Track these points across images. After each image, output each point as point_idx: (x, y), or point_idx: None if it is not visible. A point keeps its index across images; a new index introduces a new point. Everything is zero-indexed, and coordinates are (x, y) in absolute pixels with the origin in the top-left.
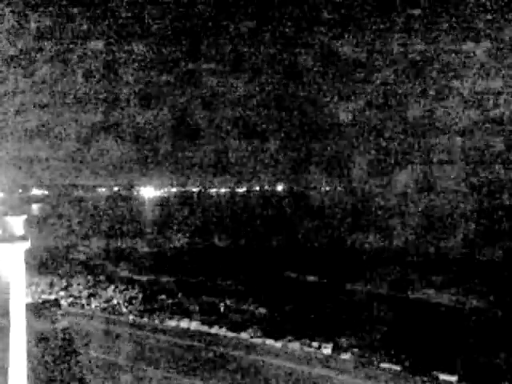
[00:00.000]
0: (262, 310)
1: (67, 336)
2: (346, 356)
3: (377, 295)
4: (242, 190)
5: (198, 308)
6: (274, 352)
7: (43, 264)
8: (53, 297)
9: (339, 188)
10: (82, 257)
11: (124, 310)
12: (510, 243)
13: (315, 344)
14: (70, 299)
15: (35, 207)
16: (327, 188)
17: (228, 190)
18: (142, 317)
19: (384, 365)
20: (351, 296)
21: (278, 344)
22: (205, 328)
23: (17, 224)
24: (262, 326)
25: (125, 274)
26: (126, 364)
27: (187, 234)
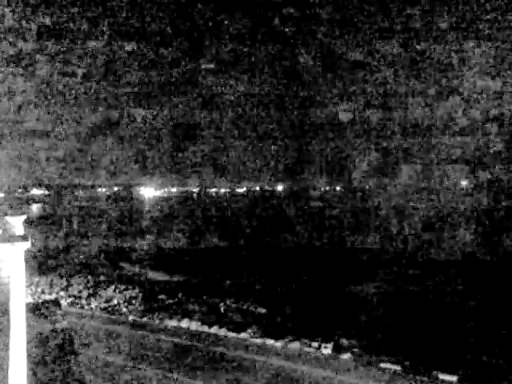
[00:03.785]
0: (262, 310)
1: (67, 336)
2: (345, 356)
3: (377, 295)
4: (241, 190)
5: (198, 308)
6: (274, 352)
7: (43, 264)
8: (53, 297)
9: (339, 188)
10: (82, 257)
11: (124, 309)
12: (510, 243)
13: (315, 344)
14: (70, 299)
15: (35, 207)
16: (327, 188)
17: (228, 190)
18: (141, 317)
19: (384, 365)
20: (351, 296)
21: (278, 344)
22: (205, 328)
23: (17, 224)
24: (262, 326)
25: (125, 273)
26: (125, 364)
27: (187, 234)
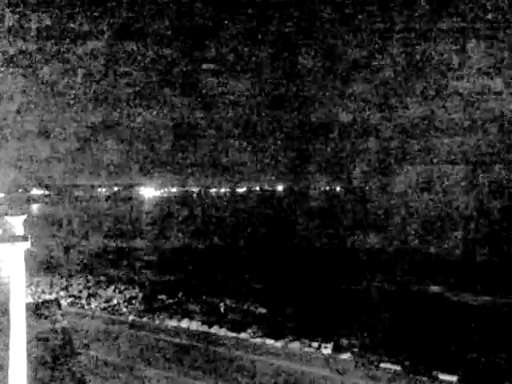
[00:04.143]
0: (262, 310)
1: (67, 336)
2: (345, 356)
3: (377, 295)
4: (242, 190)
5: (198, 308)
6: (274, 352)
7: (43, 264)
8: (53, 297)
9: (339, 188)
10: (82, 257)
11: (124, 309)
12: (509, 243)
13: (315, 344)
14: (70, 299)
15: (35, 207)
16: (327, 188)
17: (228, 190)
18: (141, 317)
19: (384, 365)
20: (351, 296)
21: (278, 344)
22: (205, 328)
23: (17, 224)
24: (262, 326)
25: (125, 274)
26: (126, 364)
27: (187, 234)
